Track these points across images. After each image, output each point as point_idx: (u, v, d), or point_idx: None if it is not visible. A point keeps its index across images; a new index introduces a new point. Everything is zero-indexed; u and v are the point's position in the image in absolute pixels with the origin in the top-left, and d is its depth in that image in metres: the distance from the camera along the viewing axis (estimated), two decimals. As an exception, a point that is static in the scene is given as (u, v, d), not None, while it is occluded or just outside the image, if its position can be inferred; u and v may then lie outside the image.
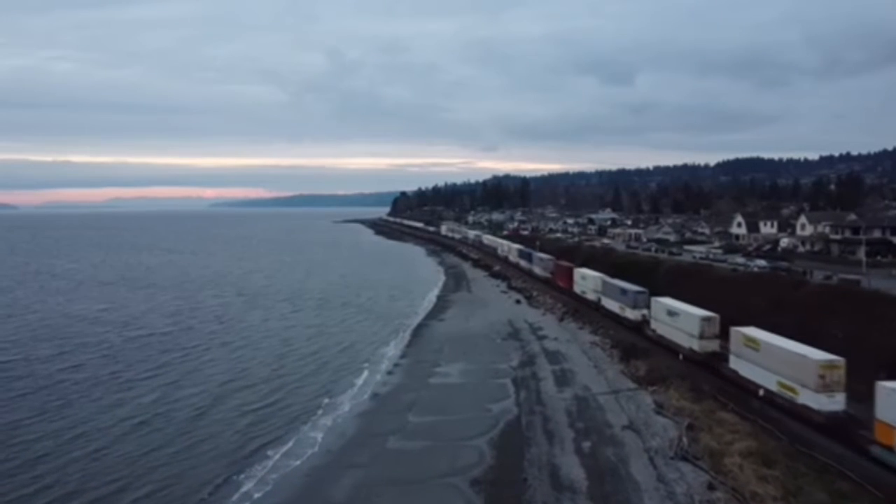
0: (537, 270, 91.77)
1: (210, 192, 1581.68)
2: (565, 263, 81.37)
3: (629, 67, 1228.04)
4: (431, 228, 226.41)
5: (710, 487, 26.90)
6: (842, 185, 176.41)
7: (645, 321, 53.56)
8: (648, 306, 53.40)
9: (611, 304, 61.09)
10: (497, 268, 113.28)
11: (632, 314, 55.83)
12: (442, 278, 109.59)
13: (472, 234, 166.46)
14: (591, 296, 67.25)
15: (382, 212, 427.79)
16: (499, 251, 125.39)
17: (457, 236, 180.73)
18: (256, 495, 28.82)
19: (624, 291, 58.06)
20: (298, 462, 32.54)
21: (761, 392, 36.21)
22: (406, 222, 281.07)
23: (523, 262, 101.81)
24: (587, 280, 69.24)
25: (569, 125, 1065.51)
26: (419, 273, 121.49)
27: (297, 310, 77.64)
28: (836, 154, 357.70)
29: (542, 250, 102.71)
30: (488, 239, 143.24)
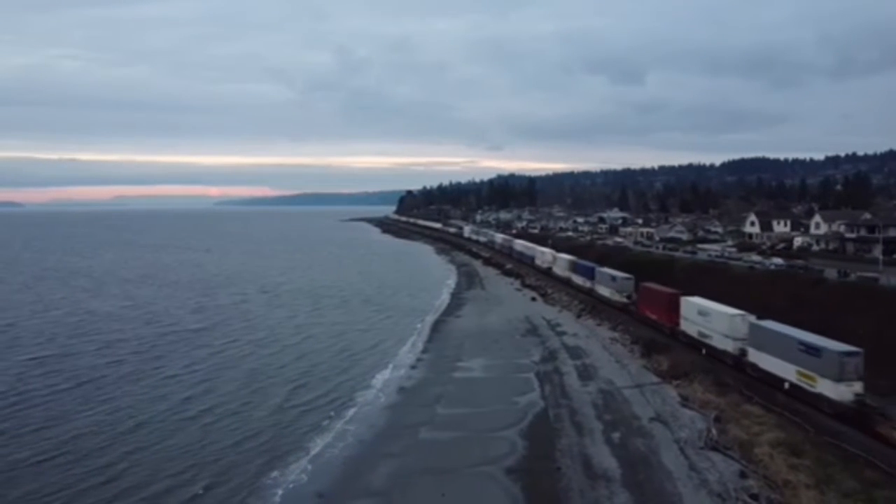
0: (604, 291, 69.23)
1: (214, 191, 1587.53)
2: (661, 288, 56.38)
3: (639, 66, 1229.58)
4: (452, 230, 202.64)
5: (743, 476, 27.68)
6: (849, 185, 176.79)
7: (870, 409, 32.23)
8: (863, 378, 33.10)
9: (775, 365, 37.69)
10: (509, 266, 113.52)
11: (834, 390, 32.90)
12: (454, 276, 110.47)
13: (499, 237, 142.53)
14: (722, 344, 43.78)
15: (387, 210, 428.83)
16: (537, 261, 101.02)
17: (482, 239, 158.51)
18: (298, 484, 29.70)
19: (814, 349, 34.70)
20: (334, 452, 33.37)
21: (786, 385, 36.88)
22: (420, 222, 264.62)
23: (578, 279, 78.76)
24: (712, 318, 45.53)
25: (575, 125, 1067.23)
26: (431, 271, 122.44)
27: (318, 307, 78.32)
28: (842, 154, 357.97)
29: (554, 248, 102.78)
30: (521, 245, 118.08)
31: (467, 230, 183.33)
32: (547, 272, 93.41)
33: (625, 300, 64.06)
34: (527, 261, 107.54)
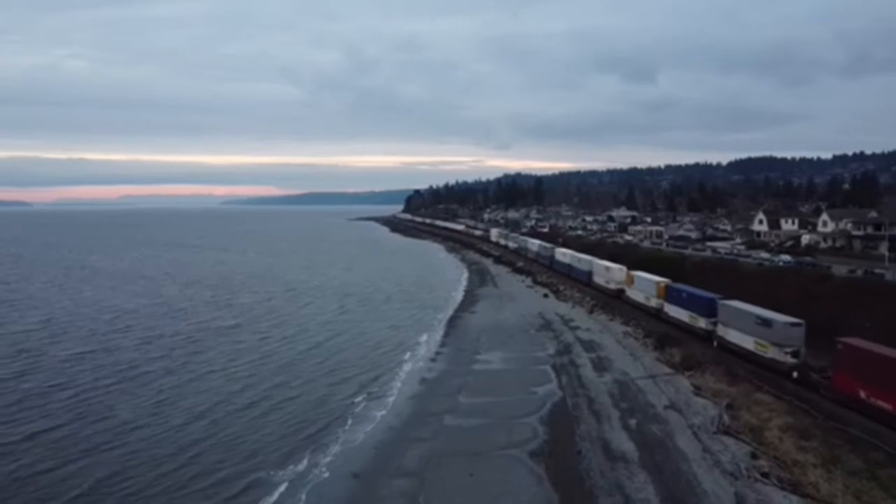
0: (743, 341, 44.26)
1: (220, 190, 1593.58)
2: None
3: (651, 65, 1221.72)
4: (477, 233, 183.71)
5: (754, 457, 29.46)
6: (856, 184, 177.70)
7: None
8: None
9: None
10: (520, 264, 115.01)
11: None
12: (466, 274, 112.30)
13: (534, 243, 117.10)
14: None
15: (393, 210, 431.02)
16: (597, 278, 77.01)
17: (510, 245, 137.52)
18: (334, 464, 31.71)
19: None
20: (365, 437, 35.34)
21: (795, 374, 38.62)
22: (439, 223, 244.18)
23: (681, 314, 54.26)
24: None
25: (585, 123, 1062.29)
26: (443, 269, 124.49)
27: (342, 304, 79.66)
28: (850, 153, 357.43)
29: (565, 246, 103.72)
30: (569, 255, 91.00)
31: (494, 233, 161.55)
32: (616, 296, 69.41)
33: (790, 359, 39.78)
34: (579, 277, 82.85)
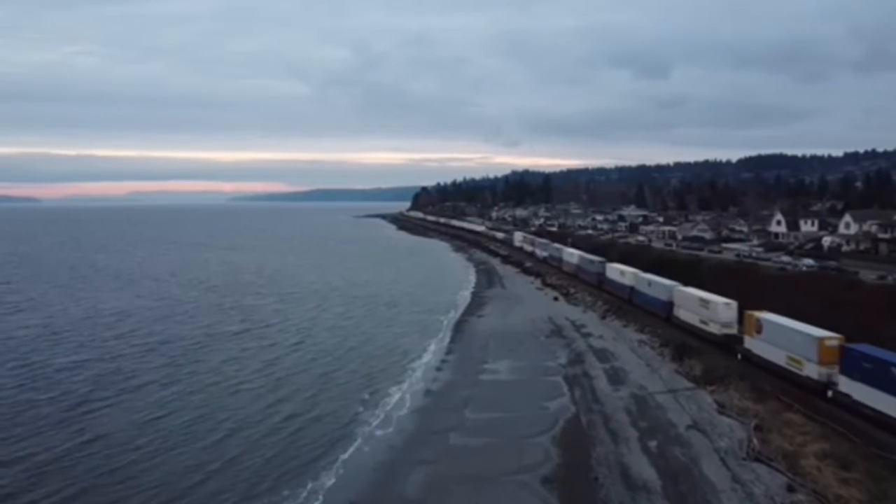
0: None
1: (228, 187, 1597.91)
2: None
3: (663, 60, 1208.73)
4: (500, 235, 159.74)
5: (790, 489, 26.69)
6: (871, 182, 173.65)
7: None
8: None
9: None
10: (529, 264, 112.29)
11: None
12: (473, 275, 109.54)
13: (572, 254, 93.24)
14: None
15: (400, 207, 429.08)
16: (683, 313, 54.10)
17: (539, 253, 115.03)
18: (330, 491, 29.20)
19: None
20: (365, 458, 32.87)
21: (830, 393, 35.78)
22: (454, 223, 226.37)
23: None
24: None
25: (594, 120, 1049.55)
26: (450, 269, 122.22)
27: (351, 307, 77.43)
28: (861, 151, 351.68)
29: (574, 247, 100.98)
30: (625, 273, 69.44)
31: (518, 238, 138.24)
32: (724, 344, 46.80)
33: None
34: (652, 307, 60.29)
